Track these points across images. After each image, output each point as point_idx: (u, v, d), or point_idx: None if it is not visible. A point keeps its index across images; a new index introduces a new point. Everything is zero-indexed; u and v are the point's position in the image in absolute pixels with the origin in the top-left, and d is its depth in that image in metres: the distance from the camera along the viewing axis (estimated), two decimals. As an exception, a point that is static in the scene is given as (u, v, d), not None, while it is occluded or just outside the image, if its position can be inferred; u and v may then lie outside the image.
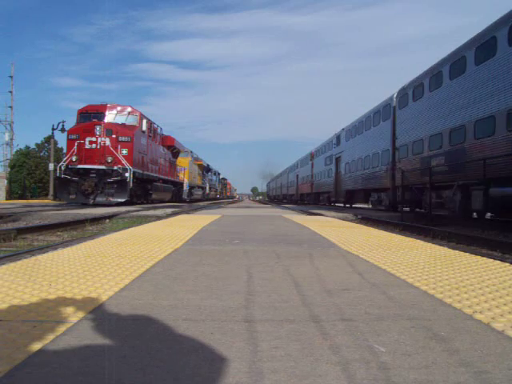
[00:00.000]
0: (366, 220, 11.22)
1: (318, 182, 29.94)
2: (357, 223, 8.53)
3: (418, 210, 14.34)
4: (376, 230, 6.29)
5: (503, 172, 9.01)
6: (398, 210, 14.68)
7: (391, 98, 16.13)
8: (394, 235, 5.22)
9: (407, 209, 14.75)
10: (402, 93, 15.01)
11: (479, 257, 3.35)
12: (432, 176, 11.56)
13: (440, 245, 4.25)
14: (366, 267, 2.84)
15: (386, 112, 16.72)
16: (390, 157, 15.97)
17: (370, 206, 19.51)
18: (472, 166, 10.17)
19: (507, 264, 2.99)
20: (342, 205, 22.24)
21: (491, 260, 3.19)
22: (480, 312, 1.77)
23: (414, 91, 14.01)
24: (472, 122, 10.39)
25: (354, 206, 21.69)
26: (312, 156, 32.47)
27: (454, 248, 3.96)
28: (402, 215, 12.36)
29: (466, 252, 3.63)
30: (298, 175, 40.07)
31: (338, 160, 24.27)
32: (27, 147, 40.40)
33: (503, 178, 9.05)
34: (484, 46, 10.19)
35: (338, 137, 24.70)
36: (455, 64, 11.41)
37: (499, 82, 9.54)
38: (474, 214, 10.86)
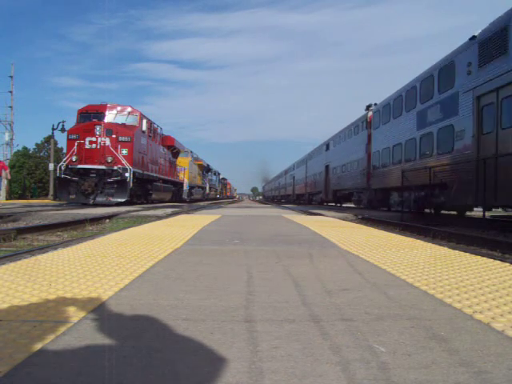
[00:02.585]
0: (366, 220, 11.22)
1: (288, 189, 50.36)
2: (357, 223, 8.53)
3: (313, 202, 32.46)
4: (376, 229, 6.29)
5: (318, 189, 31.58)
6: (311, 203, 32.53)
7: (305, 156, 36.96)
8: (393, 235, 5.22)
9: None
10: (308, 155, 35.31)
11: (479, 257, 3.35)
12: (311, 189, 32.99)
13: (440, 245, 4.24)
14: (365, 267, 2.84)
15: (304, 161, 37.29)
16: (305, 180, 36.11)
17: (307, 202, 34.98)
18: (317, 187, 30.60)
19: (507, 264, 2.99)
20: (333, 204, 29.89)
21: (491, 260, 3.19)
22: (480, 312, 1.77)
23: (311, 156, 33.84)
24: (315, 174, 31.52)
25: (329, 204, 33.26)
26: (286, 172, 53.92)
27: (454, 248, 3.96)
28: (402, 215, 12.37)
29: (466, 252, 3.63)
30: (279, 183, 62.36)
31: (293, 177, 44.64)
32: (25, 148, 40.34)
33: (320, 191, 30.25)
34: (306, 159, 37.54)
35: (293, 165, 45.66)
36: (312, 155, 34.25)
37: (316, 164, 31.49)
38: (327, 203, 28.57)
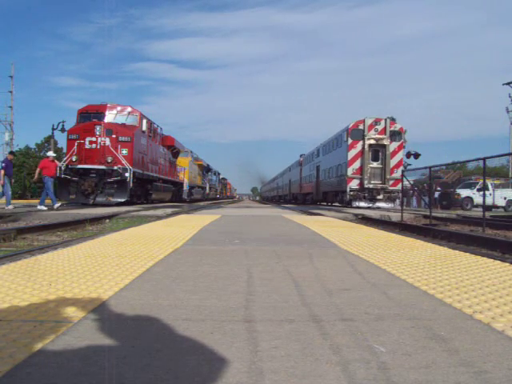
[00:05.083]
0: (366, 220, 11.21)
1: (275, 191, 65.42)
2: (357, 223, 8.53)
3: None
4: (376, 229, 6.30)
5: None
6: (286, 202, 45.14)
7: (282, 171, 53.06)
8: (393, 235, 5.22)
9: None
10: (283, 171, 51.72)
11: (479, 257, 3.35)
12: (286, 192, 50.49)
13: (440, 245, 4.25)
14: (365, 267, 2.84)
15: (282, 174, 52.97)
16: (282, 187, 52.47)
17: (282, 201, 49.49)
18: (287, 191, 48.35)
19: (507, 264, 2.99)
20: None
21: (491, 260, 3.19)
22: (480, 312, 1.77)
23: (284, 171, 50.46)
24: (286, 183, 47.92)
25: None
26: (274, 179, 68.39)
27: (454, 248, 3.96)
28: (402, 215, 12.37)
29: (466, 252, 3.64)
30: (271, 186, 78.99)
31: (277, 183, 59.18)
32: (27, 147, 40.35)
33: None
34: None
35: (276, 176, 60.94)
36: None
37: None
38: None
